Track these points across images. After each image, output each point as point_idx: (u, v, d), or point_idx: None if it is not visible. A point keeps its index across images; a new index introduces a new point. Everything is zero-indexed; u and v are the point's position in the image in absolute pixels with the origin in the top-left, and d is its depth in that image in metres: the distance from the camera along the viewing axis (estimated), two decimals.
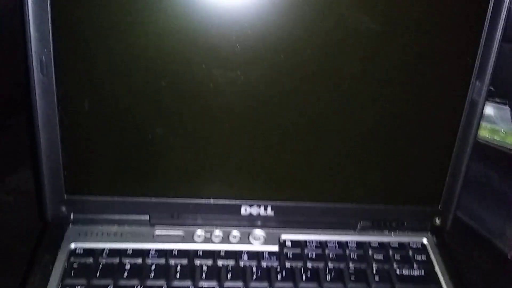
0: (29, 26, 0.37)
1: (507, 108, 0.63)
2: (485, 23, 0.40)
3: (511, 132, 0.63)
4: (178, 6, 0.38)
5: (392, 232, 0.47)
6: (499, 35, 0.40)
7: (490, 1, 0.39)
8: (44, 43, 0.38)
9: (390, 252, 0.45)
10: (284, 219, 0.45)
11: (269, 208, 0.45)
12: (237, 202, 0.45)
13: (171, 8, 0.38)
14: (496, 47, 0.40)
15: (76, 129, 0.41)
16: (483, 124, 0.64)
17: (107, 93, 0.40)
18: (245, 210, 0.45)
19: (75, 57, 0.39)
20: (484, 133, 0.63)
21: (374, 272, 0.43)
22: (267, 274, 0.41)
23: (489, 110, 0.65)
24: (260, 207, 0.45)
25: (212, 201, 0.44)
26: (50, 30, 0.38)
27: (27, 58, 0.39)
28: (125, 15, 0.38)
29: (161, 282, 0.40)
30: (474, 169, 0.55)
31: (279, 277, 0.41)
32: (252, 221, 0.45)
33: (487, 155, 0.56)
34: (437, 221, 0.46)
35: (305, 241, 0.45)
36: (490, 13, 0.40)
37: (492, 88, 0.64)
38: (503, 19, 0.40)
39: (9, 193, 0.56)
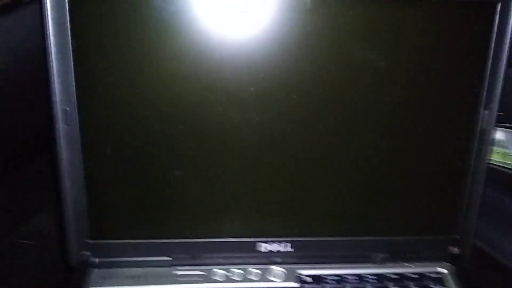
0: (53, 78, 0.39)
1: None
2: (490, 52, 0.41)
3: None
4: (195, 54, 0.40)
5: (411, 263, 0.47)
6: (504, 64, 0.42)
7: (493, 33, 0.41)
8: (68, 95, 0.40)
9: (411, 283, 0.45)
10: (303, 255, 0.46)
11: (288, 245, 0.45)
12: (257, 240, 0.45)
13: (187, 56, 0.40)
14: (502, 75, 0.42)
15: (100, 175, 0.43)
16: (495, 148, 0.65)
17: (128, 140, 0.42)
18: (265, 248, 0.45)
19: (98, 106, 0.41)
20: (497, 157, 0.64)
21: None
22: None
23: (499, 135, 0.66)
24: (280, 244, 0.45)
25: (232, 240, 0.45)
26: (74, 82, 0.40)
27: (52, 109, 0.40)
28: (143, 64, 0.40)
29: None
30: (490, 196, 0.56)
31: None
32: (271, 258, 0.46)
33: (501, 181, 0.57)
34: (456, 250, 0.47)
35: (325, 276, 0.45)
36: (493, 44, 0.41)
37: (501, 114, 0.65)
38: (507, 49, 0.41)
39: (31, 236, 0.56)
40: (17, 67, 0.45)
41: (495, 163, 0.62)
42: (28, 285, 0.49)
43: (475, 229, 0.47)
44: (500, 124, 0.64)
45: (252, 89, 0.41)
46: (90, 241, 0.44)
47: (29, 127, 0.52)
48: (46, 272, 0.51)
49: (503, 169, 0.58)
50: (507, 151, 0.64)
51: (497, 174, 0.57)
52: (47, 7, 0.38)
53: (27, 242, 0.56)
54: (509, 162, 0.64)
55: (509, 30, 0.40)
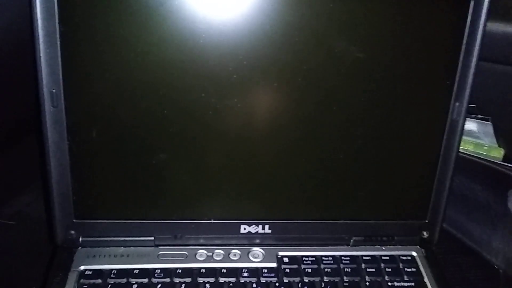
0: (40, 61, 0.40)
1: (489, 124, 0.67)
2: (462, 47, 0.43)
3: (495, 146, 0.66)
4: (180, 40, 0.41)
5: (383, 246, 0.49)
6: (475, 58, 0.43)
7: (466, 28, 0.43)
8: (54, 77, 0.41)
9: (382, 265, 0.47)
10: (281, 237, 0.48)
11: (266, 227, 0.47)
12: (236, 221, 0.47)
13: (172, 42, 0.41)
14: (473, 69, 0.44)
15: (85, 157, 0.44)
16: (468, 139, 0.67)
17: (113, 122, 0.43)
18: (244, 229, 0.47)
19: (84, 89, 0.42)
20: (469, 147, 0.67)
21: (367, 284, 0.45)
22: None
23: (472, 126, 0.69)
24: (258, 226, 0.47)
25: (212, 221, 0.47)
26: (60, 65, 0.41)
27: (38, 91, 0.41)
28: (129, 49, 0.41)
29: None
30: (460, 183, 0.58)
31: None
32: (251, 240, 0.48)
33: (472, 169, 0.59)
34: (425, 234, 0.49)
35: (302, 257, 0.47)
36: (466, 39, 0.43)
37: (474, 105, 0.68)
38: (478, 43, 0.43)
39: (12, 217, 0.57)
40: (5, 48, 0.46)
41: (468, 153, 0.65)
42: (12, 265, 0.50)
43: (446, 215, 0.49)
44: (473, 115, 0.67)
45: (234, 76, 0.42)
46: (75, 221, 0.46)
47: (14, 108, 0.52)
48: (30, 252, 0.52)
49: (475, 158, 0.61)
50: (479, 141, 0.67)
51: (469, 163, 0.60)
52: None
53: (9, 222, 0.57)
54: (481, 152, 0.66)
55: (481, 25, 0.42)
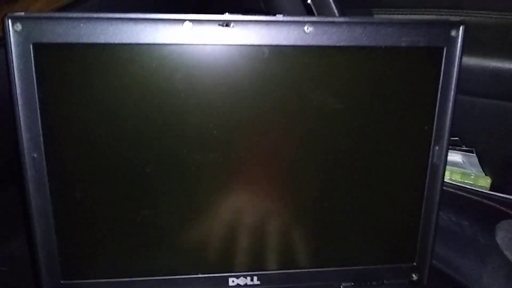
0: (20, 127, 0.41)
1: (473, 155, 0.68)
2: (438, 93, 0.44)
3: (482, 175, 0.67)
4: (157, 101, 0.41)
5: None
6: (452, 103, 0.44)
7: (441, 74, 0.43)
8: (35, 143, 0.41)
9: None
10: (270, 287, 0.48)
11: (255, 278, 0.47)
12: (224, 275, 0.47)
13: (150, 103, 0.41)
14: (450, 113, 0.44)
15: (69, 219, 0.44)
16: (455, 169, 0.68)
17: (97, 185, 0.43)
18: (232, 281, 0.47)
19: (65, 153, 0.42)
20: (457, 177, 0.67)
21: None
22: None
23: (458, 158, 0.69)
24: (246, 278, 0.47)
25: (200, 275, 0.47)
26: (41, 130, 0.41)
27: (20, 156, 0.42)
28: (108, 112, 0.41)
29: None
30: (447, 219, 0.58)
31: None
32: None
33: (459, 204, 0.60)
34: (414, 276, 0.49)
35: None
36: (441, 84, 0.44)
37: (457, 138, 0.69)
38: (453, 89, 0.44)
39: (3, 263, 0.56)
40: None
41: (455, 183, 0.65)
42: None
43: (436, 252, 0.49)
44: (457, 147, 0.68)
45: (215, 131, 0.43)
46: (63, 282, 0.45)
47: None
48: None
49: (462, 192, 0.61)
50: (465, 171, 0.68)
51: (456, 199, 0.60)
52: (12, 58, 0.39)
53: (0, 268, 0.56)
54: (468, 181, 0.67)
55: (455, 71, 0.43)
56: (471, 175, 0.67)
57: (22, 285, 0.53)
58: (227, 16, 0.40)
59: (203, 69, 0.41)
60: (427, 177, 0.46)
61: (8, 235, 0.59)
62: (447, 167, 0.66)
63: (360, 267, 0.48)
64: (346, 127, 0.44)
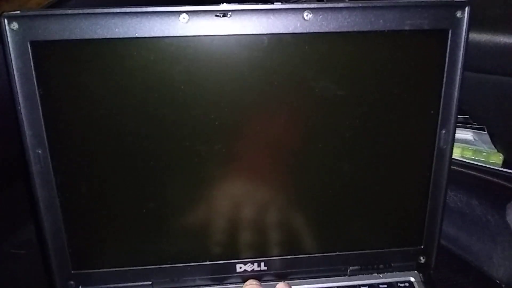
0: (23, 124, 0.41)
1: (485, 133, 0.67)
2: (444, 76, 0.43)
3: (494, 152, 0.66)
4: (158, 93, 0.41)
5: (381, 274, 0.49)
6: (458, 85, 0.43)
7: (446, 57, 0.42)
8: (39, 139, 0.41)
9: None
10: (277, 273, 0.48)
11: (262, 264, 0.48)
12: (232, 261, 0.47)
13: (152, 96, 0.41)
14: (456, 96, 0.43)
15: (77, 211, 0.44)
16: (467, 146, 0.67)
17: (102, 177, 0.43)
18: (240, 267, 0.48)
19: (69, 148, 0.42)
20: (468, 154, 0.66)
21: None
22: None
23: (469, 135, 0.68)
24: (253, 264, 0.48)
25: (208, 263, 0.47)
26: (43, 126, 0.41)
27: (24, 153, 0.42)
28: (110, 106, 0.41)
29: None
30: (457, 199, 0.58)
31: None
32: (247, 278, 0.48)
33: (469, 184, 0.59)
34: (422, 259, 0.49)
35: None
36: (447, 67, 0.42)
37: (467, 116, 0.67)
38: (459, 72, 0.42)
39: (21, 246, 0.58)
40: None
41: (467, 160, 0.64)
42: None
43: (445, 233, 0.49)
44: (468, 125, 0.67)
45: (217, 122, 0.42)
46: (73, 272, 0.46)
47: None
48: (37, 282, 0.52)
49: (472, 171, 0.60)
50: (477, 147, 0.67)
51: (466, 178, 0.59)
52: (11, 58, 0.39)
53: (19, 252, 0.58)
54: (480, 158, 0.66)
55: (461, 53, 0.42)
56: (483, 152, 0.66)
57: (38, 268, 0.54)
58: (224, 6, 0.39)
59: (202, 61, 0.40)
60: (434, 161, 0.45)
61: (25, 220, 0.61)
62: (459, 144, 0.65)
63: (367, 251, 0.49)
64: (351, 114, 0.43)
